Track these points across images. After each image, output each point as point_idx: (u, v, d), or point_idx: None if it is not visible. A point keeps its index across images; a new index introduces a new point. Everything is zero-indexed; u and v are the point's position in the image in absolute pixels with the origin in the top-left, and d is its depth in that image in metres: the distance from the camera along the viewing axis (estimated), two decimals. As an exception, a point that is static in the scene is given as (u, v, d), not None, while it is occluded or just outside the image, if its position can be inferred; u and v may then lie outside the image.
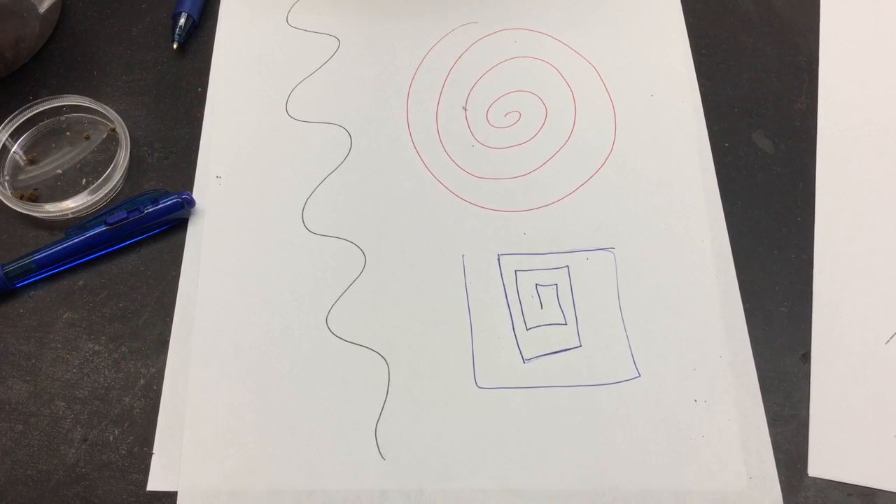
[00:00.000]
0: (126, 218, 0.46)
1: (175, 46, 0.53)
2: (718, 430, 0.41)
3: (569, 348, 0.43)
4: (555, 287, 0.45)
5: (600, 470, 0.40)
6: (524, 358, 0.43)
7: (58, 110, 0.51)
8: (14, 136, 0.50)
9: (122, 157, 0.48)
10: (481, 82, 0.52)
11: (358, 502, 0.40)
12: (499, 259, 0.46)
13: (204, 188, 0.49)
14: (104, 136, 0.51)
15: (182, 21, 0.53)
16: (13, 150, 0.50)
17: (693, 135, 0.50)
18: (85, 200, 0.47)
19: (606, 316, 0.44)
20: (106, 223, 0.45)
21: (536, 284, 0.45)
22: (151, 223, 0.46)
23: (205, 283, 0.45)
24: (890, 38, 0.53)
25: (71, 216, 0.47)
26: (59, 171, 0.49)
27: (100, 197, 0.48)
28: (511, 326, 0.44)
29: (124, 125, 0.49)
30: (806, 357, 0.43)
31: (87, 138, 0.51)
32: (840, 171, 0.48)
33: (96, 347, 0.44)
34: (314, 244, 0.47)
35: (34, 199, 0.48)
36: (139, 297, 0.45)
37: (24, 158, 0.50)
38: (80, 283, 0.46)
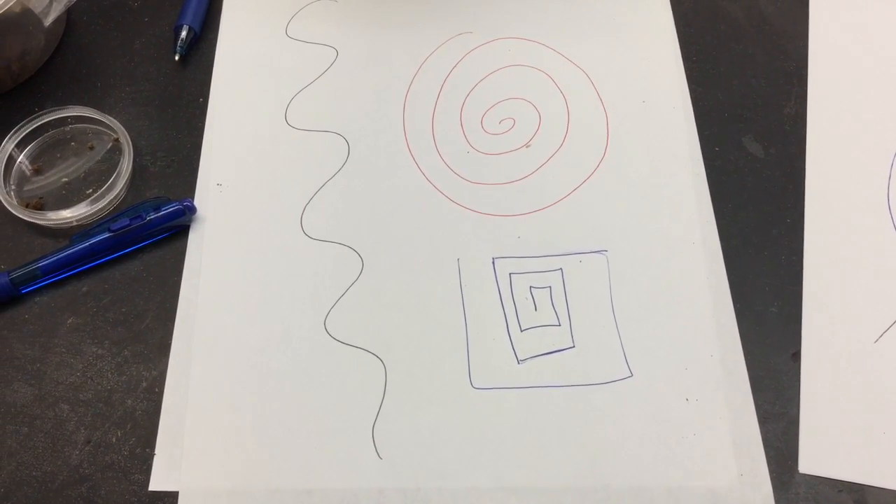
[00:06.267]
0: (129, 225, 0.47)
1: (177, 58, 0.55)
2: (710, 427, 0.42)
3: (562, 349, 0.44)
4: (548, 289, 0.46)
5: (593, 467, 0.41)
6: (518, 359, 0.44)
7: (63, 121, 0.52)
8: (20, 146, 0.51)
9: (126, 166, 0.49)
10: (476, 90, 0.53)
11: (356, 501, 0.40)
12: (493, 262, 0.47)
13: (205, 195, 0.50)
14: (108, 146, 0.52)
15: (184, 33, 0.55)
16: (19, 160, 0.51)
17: (684, 139, 0.51)
18: (89, 208, 0.48)
19: (599, 317, 0.45)
20: (109, 230, 0.46)
21: (530, 287, 0.46)
22: (154, 230, 0.47)
23: (206, 288, 0.46)
24: (877, 44, 0.54)
25: (75, 224, 0.48)
26: (64, 180, 0.51)
27: (103, 205, 0.49)
28: (505, 328, 0.45)
29: (127, 135, 0.50)
30: (796, 356, 0.44)
31: (92, 148, 0.52)
32: (829, 173, 0.49)
33: (100, 351, 0.45)
34: (312, 249, 0.48)
35: (40, 207, 0.49)
36: (142, 303, 0.46)
37: (30, 168, 0.51)
38: (84, 289, 0.47)
